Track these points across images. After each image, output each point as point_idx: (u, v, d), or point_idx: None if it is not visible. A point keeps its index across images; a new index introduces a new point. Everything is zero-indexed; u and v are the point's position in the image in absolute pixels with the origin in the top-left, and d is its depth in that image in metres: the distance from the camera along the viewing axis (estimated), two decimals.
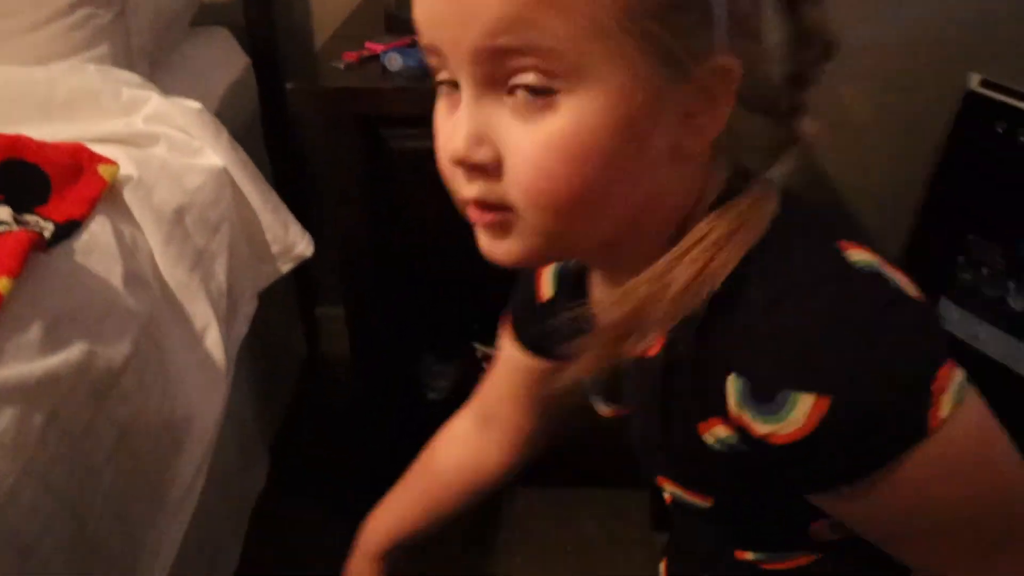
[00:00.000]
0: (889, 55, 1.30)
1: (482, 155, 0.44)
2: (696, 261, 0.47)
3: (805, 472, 0.46)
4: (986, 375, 1.23)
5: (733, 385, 0.46)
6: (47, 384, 0.66)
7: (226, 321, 0.88)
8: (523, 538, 1.30)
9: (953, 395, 0.43)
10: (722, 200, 0.49)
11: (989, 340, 1.17)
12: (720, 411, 0.48)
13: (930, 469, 0.44)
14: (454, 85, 0.46)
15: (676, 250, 0.48)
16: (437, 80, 0.48)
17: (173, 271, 0.84)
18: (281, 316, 1.43)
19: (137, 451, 0.75)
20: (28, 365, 0.66)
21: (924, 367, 0.43)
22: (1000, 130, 1.10)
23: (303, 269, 1.44)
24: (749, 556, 0.61)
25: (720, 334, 0.46)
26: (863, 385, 0.43)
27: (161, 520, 0.78)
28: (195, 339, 0.84)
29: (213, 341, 0.85)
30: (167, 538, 0.79)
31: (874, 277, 0.45)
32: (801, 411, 0.43)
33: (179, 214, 0.86)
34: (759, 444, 0.46)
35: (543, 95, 0.43)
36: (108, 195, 0.83)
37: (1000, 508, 0.48)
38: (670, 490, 0.59)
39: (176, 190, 0.87)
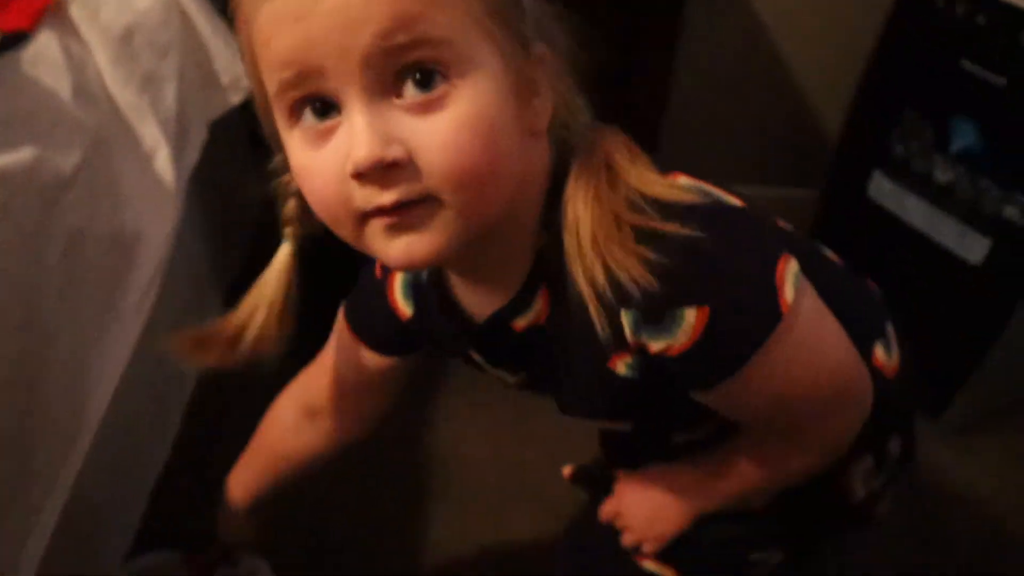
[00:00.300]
0: None
1: (394, 152, 0.46)
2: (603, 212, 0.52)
3: (700, 373, 0.55)
4: (910, 245, 1.30)
5: (626, 319, 0.53)
6: None
7: (176, 146, 0.90)
8: (469, 393, 1.38)
9: (792, 282, 0.53)
10: (558, 174, 0.55)
11: (915, 212, 1.25)
12: (621, 345, 0.54)
13: (787, 347, 0.54)
14: (321, 112, 0.48)
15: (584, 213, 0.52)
16: (293, 116, 0.49)
17: (122, 91, 0.86)
18: (236, 172, 1.45)
19: (88, 259, 0.79)
20: None
21: (766, 265, 0.53)
22: (940, 4, 1.14)
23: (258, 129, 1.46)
24: (675, 437, 0.73)
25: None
26: (728, 291, 0.52)
27: (113, 327, 0.83)
28: (145, 159, 0.87)
29: (163, 163, 0.88)
30: (118, 345, 0.84)
31: (704, 195, 0.54)
32: (688, 323, 0.51)
33: (127, 34, 0.87)
34: (659, 359, 0.54)
35: (435, 87, 0.46)
36: (53, 10, 0.84)
37: (837, 370, 0.60)
38: (591, 424, 0.69)
39: (124, 10, 0.88)
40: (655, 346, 0.53)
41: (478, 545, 1.18)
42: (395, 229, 0.48)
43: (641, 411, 0.67)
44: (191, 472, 1.12)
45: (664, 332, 0.52)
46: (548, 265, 0.56)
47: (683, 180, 0.56)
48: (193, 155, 0.96)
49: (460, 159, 0.47)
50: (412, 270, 0.66)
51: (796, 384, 0.58)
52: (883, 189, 1.28)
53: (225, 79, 1.00)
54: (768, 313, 0.52)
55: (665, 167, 0.56)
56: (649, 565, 0.75)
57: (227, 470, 0.96)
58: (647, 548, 0.74)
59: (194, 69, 0.96)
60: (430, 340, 0.71)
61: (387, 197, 0.47)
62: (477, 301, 0.62)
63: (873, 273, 1.36)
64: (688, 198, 0.52)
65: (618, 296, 0.51)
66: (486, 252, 0.56)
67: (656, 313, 0.51)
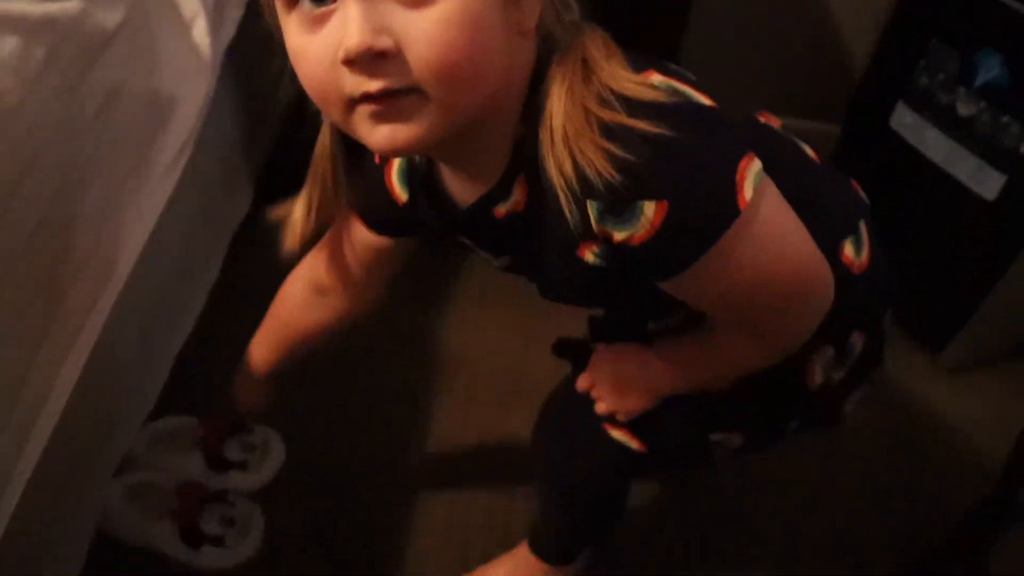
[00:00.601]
0: None
1: (384, 42, 0.49)
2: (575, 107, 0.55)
3: (659, 263, 0.59)
4: (927, 178, 1.31)
5: (592, 208, 0.56)
6: (46, 24, 0.72)
7: (213, 18, 0.93)
8: (481, 298, 1.43)
9: (752, 181, 0.56)
10: (540, 68, 0.58)
11: (935, 145, 1.26)
12: (588, 234, 0.58)
13: (744, 243, 0.58)
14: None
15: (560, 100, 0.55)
16: (291, 1, 0.52)
17: None
18: (271, 59, 1.47)
19: (124, 115, 0.83)
20: (29, 5, 0.72)
21: (727, 164, 0.56)
22: None
23: None
24: (651, 324, 0.78)
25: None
26: (687, 187, 0.55)
27: (144, 186, 0.87)
28: (183, 27, 0.90)
29: (200, 33, 0.91)
30: (148, 205, 0.88)
31: (673, 94, 0.57)
32: (647, 216, 0.54)
33: None
34: (622, 248, 0.57)
35: None
36: None
37: (796, 269, 0.63)
38: (569, 307, 0.72)
39: None
40: (618, 236, 0.56)
41: (478, 436, 1.24)
42: (379, 116, 0.52)
43: (612, 298, 0.71)
44: (214, 344, 1.18)
45: (625, 223, 0.55)
46: (525, 156, 0.59)
47: (656, 78, 0.58)
48: (230, 30, 0.99)
49: (445, 54, 0.50)
50: (394, 156, 0.70)
51: (754, 278, 0.61)
52: (905, 120, 1.29)
53: None
54: (726, 209, 0.56)
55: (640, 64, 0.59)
56: (618, 435, 0.80)
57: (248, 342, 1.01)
58: (619, 417, 0.79)
59: None
60: (422, 224, 0.75)
61: (374, 85, 0.50)
62: (462, 188, 0.66)
63: (889, 205, 1.38)
64: (655, 96, 0.55)
65: (583, 187, 0.55)
66: (470, 142, 0.59)
67: (618, 205, 0.55)
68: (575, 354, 0.85)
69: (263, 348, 0.97)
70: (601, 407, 0.79)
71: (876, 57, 1.37)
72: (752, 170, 0.56)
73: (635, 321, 0.79)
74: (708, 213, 0.56)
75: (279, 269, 0.95)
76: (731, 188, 0.55)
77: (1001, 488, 0.98)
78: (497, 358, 1.33)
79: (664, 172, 0.54)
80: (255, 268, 1.28)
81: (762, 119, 0.70)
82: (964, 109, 1.20)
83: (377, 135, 0.53)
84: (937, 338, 1.35)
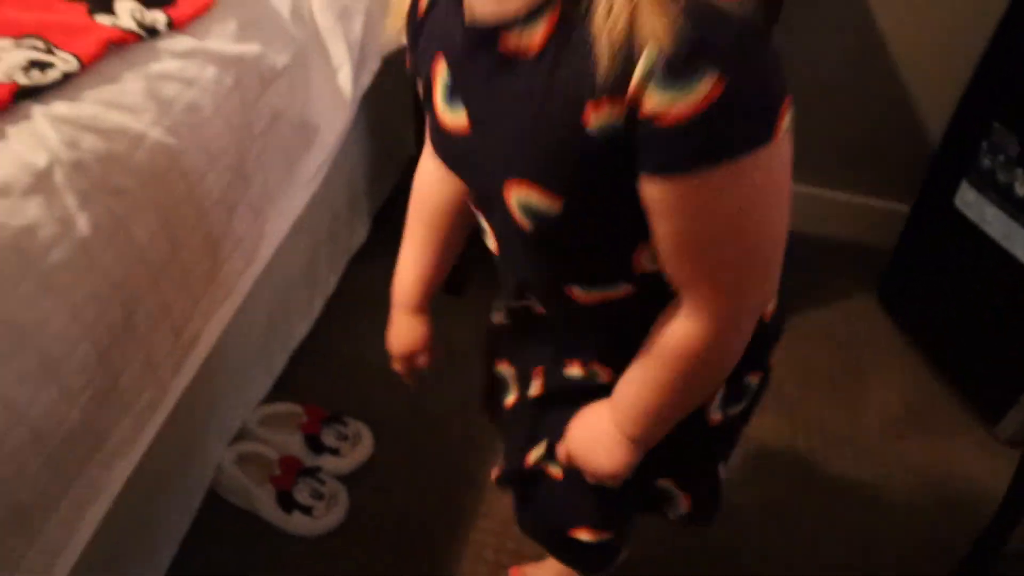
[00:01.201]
0: None
1: None
2: None
3: (678, 151, 0.53)
4: (988, 256, 1.45)
5: (644, 61, 0.51)
6: (235, 59, 1.01)
7: (356, 67, 1.22)
8: None
9: (787, 122, 0.55)
10: None
11: (994, 223, 1.40)
12: (618, 88, 0.53)
13: (758, 175, 0.55)
14: None
15: None
16: None
17: (323, 16, 1.18)
18: (396, 117, 1.76)
19: (281, 135, 1.11)
20: (227, 45, 1.01)
21: (782, 90, 0.55)
22: None
23: None
24: (576, 290, 0.72)
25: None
26: (752, 80, 0.52)
27: (289, 192, 1.14)
28: (332, 72, 1.19)
29: (345, 77, 1.19)
30: (290, 207, 1.16)
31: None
32: (703, 88, 0.50)
33: None
34: (642, 124, 0.53)
35: None
36: None
37: (769, 237, 0.61)
38: (518, 197, 0.64)
39: None
40: (653, 101, 0.52)
41: None
42: None
43: (566, 185, 0.62)
44: (324, 347, 1.42)
45: (677, 88, 0.51)
46: None
47: None
48: (367, 78, 1.27)
49: None
50: None
51: (733, 229, 0.59)
52: (968, 199, 1.44)
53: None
54: (766, 127, 0.54)
55: None
56: (584, 536, 0.91)
57: (359, 345, 1.21)
58: (607, 483, 0.79)
59: (379, 9, 1.28)
60: (428, 37, 0.69)
61: None
62: (485, 3, 0.60)
63: (951, 280, 1.51)
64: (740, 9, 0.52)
65: (653, 30, 0.51)
66: None
67: (683, 62, 0.51)
68: (513, 482, 0.97)
69: (414, 247, 0.89)
70: (588, 477, 0.80)
71: (944, 139, 1.53)
72: (789, 114, 0.55)
73: (560, 281, 0.73)
74: (753, 119, 0.53)
75: (388, 291, 1.14)
76: (776, 110, 0.54)
77: (992, 531, 1.07)
78: None
79: (740, 52, 0.52)
80: (367, 291, 1.55)
81: None
82: (1022, 189, 1.35)
83: None
84: (993, 410, 1.46)
